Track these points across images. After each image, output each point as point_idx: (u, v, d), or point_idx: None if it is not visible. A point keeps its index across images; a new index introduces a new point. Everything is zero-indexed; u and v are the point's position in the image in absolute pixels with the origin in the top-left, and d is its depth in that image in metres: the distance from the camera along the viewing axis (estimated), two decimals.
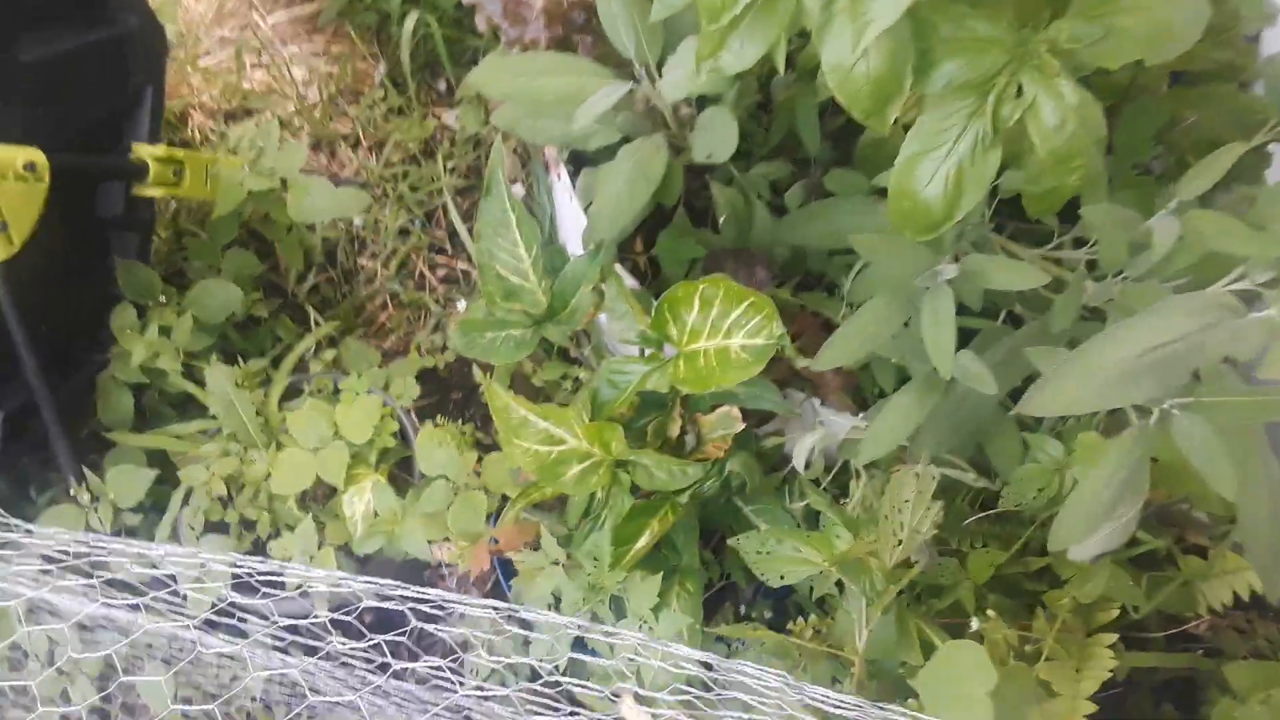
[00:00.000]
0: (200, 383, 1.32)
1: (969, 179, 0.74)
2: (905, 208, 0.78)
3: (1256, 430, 0.71)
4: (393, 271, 1.62)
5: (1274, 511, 0.72)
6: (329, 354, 1.38)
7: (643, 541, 0.97)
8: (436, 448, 1.13)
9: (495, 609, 0.86)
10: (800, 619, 0.95)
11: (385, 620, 1.47)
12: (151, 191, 1.35)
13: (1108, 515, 0.71)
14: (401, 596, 0.94)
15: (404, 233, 1.63)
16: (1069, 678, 0.87)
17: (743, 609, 1.14)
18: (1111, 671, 0.86)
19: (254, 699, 1.40)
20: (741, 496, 1.03)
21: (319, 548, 1.19)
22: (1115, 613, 0.89)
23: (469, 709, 1.11)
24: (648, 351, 0.99)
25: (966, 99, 0.72)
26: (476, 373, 1.44)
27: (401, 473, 1.28)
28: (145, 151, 1.32)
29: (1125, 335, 0.61)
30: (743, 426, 1.00)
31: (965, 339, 1.01)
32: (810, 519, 1.01)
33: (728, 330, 0.91)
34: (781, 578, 0.84)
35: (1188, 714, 0.98)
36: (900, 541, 0.80)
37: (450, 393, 1.51)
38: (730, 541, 0.92)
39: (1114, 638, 0.87)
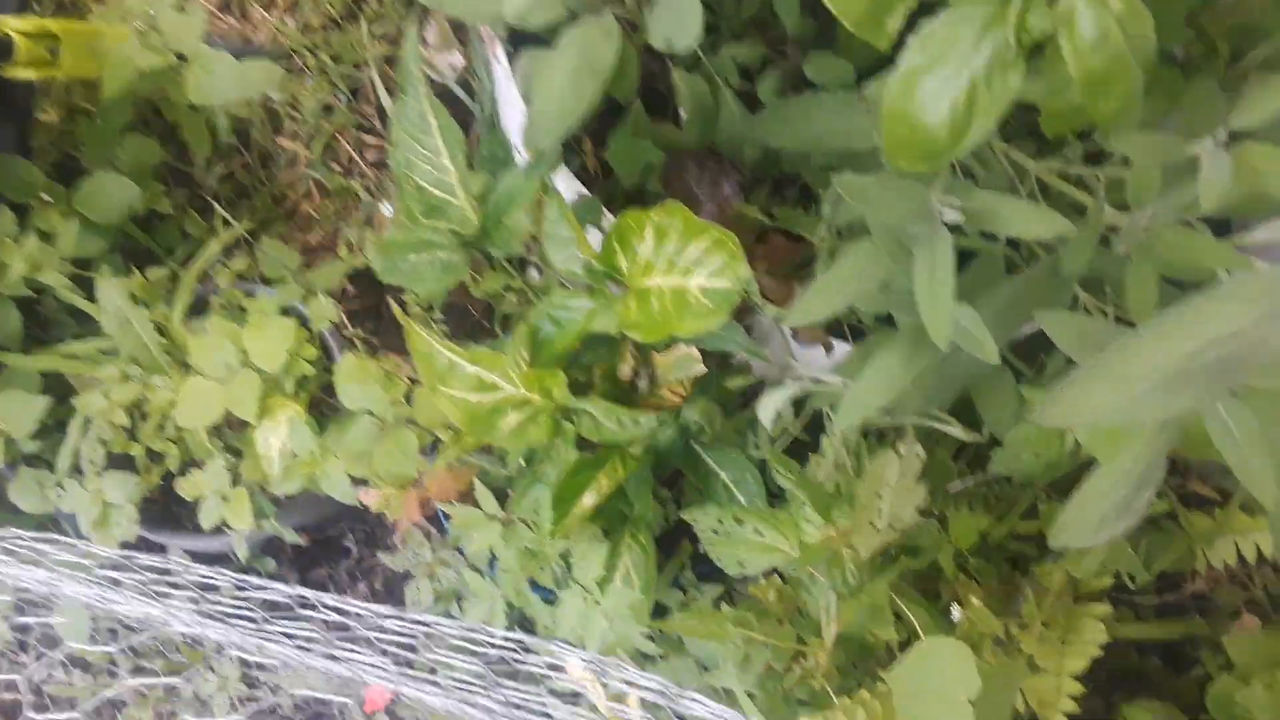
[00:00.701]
0: (94, 296, 1.16)
1: (982, 102, 0.60)
2: (902, 133, 0.63)
3: None
4: (316, 154, 1.43)
5: None
6: (240, 262, 1.22)
7: (588, 500, 0.86)
8: (358, 380, 1.00)
9: (404, 619, 0.75)
10: (762, 578, 0.86)
11: (316, 552, 1.39)
12: (22, 73, 1.15)
13: (1124, 511, 0.61)
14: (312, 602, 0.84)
15: (328, 109, 1.44)
16: (1054, 651, 0.79)
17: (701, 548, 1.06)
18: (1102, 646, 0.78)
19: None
20: (702, 443, 0.92)
21: (233, 486, 1.08)
22: (1109, 580, 0.81)
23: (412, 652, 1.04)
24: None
25: (986, 3, 0.57)
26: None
27: (329, 399, 1.15)
28: (9, 25, 1.12)
29: (1172, 330, 0.49)
30: (704, 370, 0.88)
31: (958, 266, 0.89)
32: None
33: (685, 268, 0.78)
34: (740, 564, 0.74)
35: (1174, 667, 0.92)
36: (879, 531, 0.70)
37: (386, 293, 1.36)
38: (684, 514, 0.81)
39: (1105, 610, 0.79)
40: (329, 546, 1.35)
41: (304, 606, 1.00)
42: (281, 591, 0.98)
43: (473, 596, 0.90)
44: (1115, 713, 0.87)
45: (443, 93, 1.42)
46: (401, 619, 0.92)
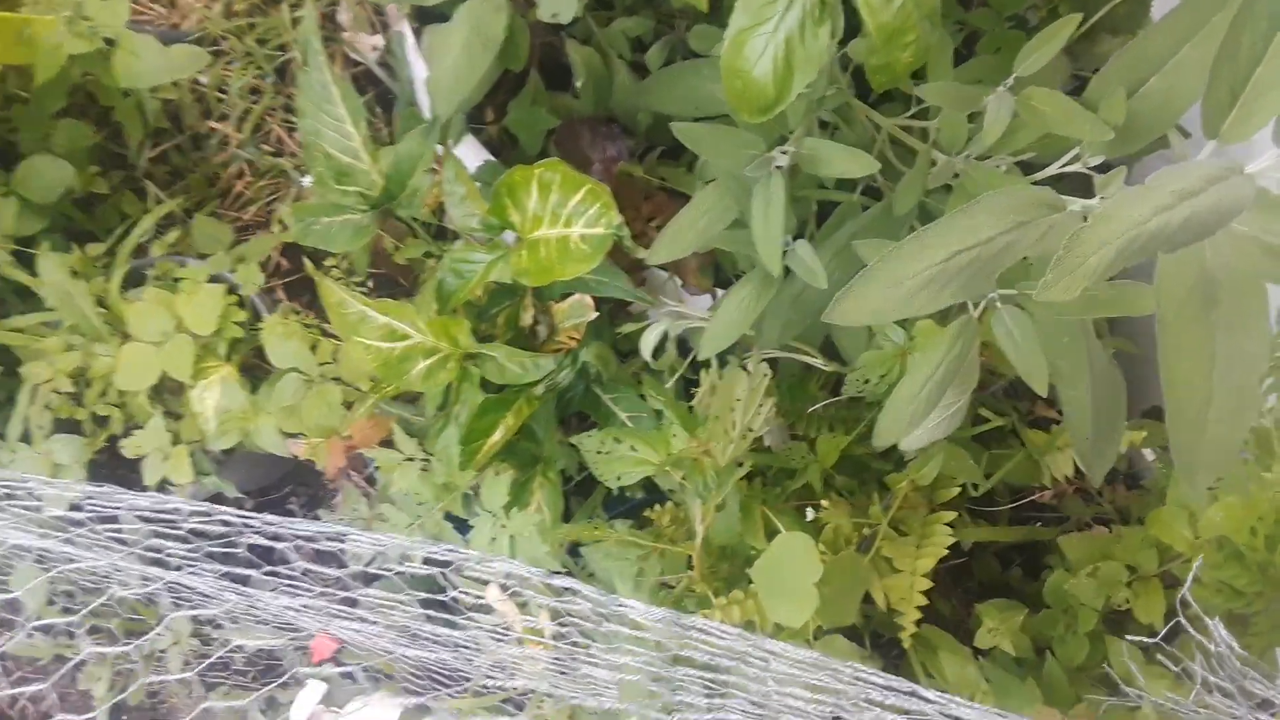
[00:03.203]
0: (36, 272, 1.23)
1: (799, 57, 0.68)
2: (738, 87, 0.72)
3: (1085, 325, 0.70)
4: (246, 136, 1.50)
5: (1096, 404, 0.72)
6: (173, 235, 1.28)
7: (496, 436, 0.95)
8: (284, 339, 1.07)
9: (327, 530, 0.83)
10: (658, 505, 0.95)
11: (260, 512, 1.46)
12: None
13: (930, 409, 0.70)
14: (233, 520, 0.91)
15: (255, 92, 1.51)
16: (909, 554, 0.88)
17: (615, 491, 1.14)
18: (949, 550, 0.88)
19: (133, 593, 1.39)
20: (601, 385, 1.01)
21: (173, 445, 1.15)
22: (955, 491, 0.90)
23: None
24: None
25: None
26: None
27: (263, 362, 1.22)
28: None
29: (932, 238, 0.58)
30: (596, 315, 0.96)
31: (824, 215, 0.98)
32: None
33: (567, 219, 0.86)
34: (619, 478, 0.83)
35: (1034, 576, 1.02)
36: (732, 441, 0.78)
37: (316, 262, 1.43)
38: (573, 439, 0.90)
39: (951, 515, 0.88)
40: (273, 508, 1.42)
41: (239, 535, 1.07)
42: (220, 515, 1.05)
43: (391, 527, 0.98)
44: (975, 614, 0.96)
45: (365, 73, 1.50)
46: (324, 530, 0.99)
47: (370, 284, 1.40)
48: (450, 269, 0.93)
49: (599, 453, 0.84)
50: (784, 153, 0.74)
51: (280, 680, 1.40)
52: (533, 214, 0.88)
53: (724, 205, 0.76)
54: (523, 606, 0.95)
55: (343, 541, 0.91)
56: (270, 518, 0.91)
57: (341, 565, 1.02)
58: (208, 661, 1.39)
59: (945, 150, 0.80)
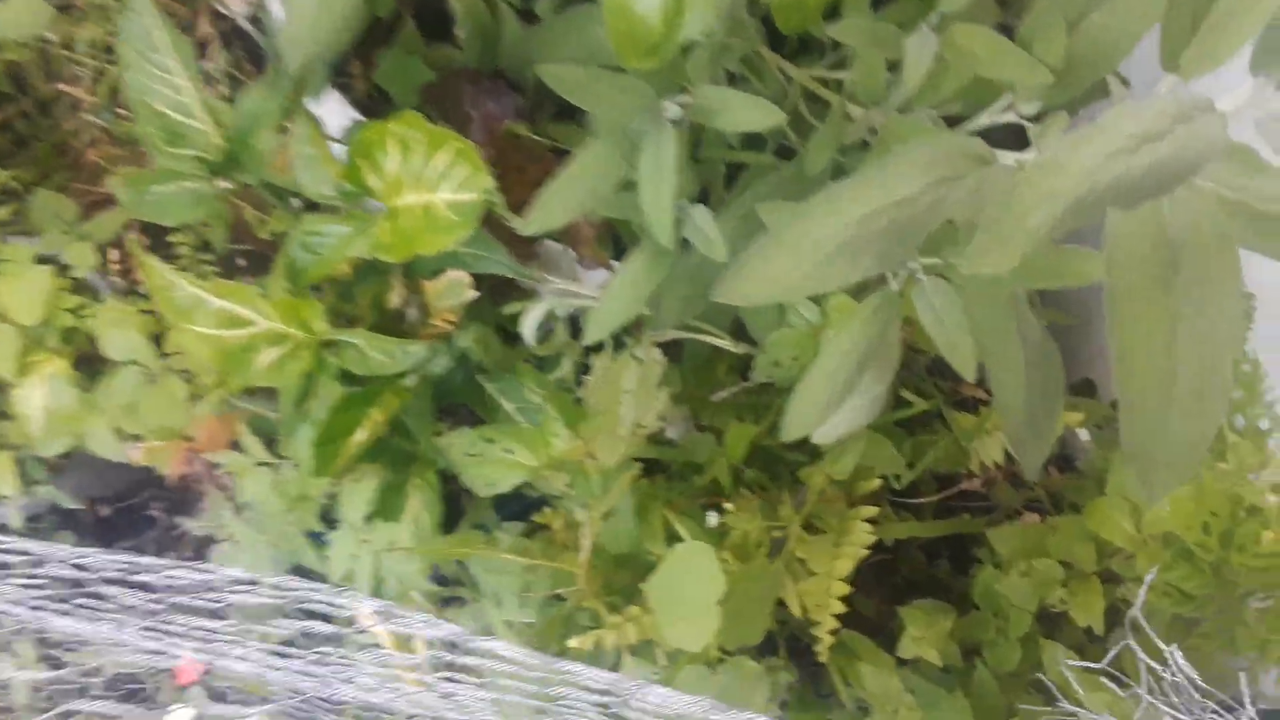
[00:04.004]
0: None
1: None
2: (622, 27, 0.61)
3: (1016, 296, 0.61)
4: (101, 99, 1.33)
5: (1029, 384, 0.63)
6: (4, 211, 1.12)
7: (360, 436, 0.83)
8: (120, 327, 0.93)
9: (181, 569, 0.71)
10: (547, 507, 0.84)
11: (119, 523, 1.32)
12: None
13: (845, 396, 0.61)
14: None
15: (108, 50, 1.34)
16: (826, 555, 0.80)
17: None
18: (869, 548, 0.79)
19: None
20: (485, 373, 0.89)
21: None
22: (876, 483, 0.81)
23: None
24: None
25: None
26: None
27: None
28: None
29: (844, 199, 0.48)
30: (475, 295, 0.84)
31: (733, 176, 0.88)
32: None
33: (432, 183, 0.74)
34: (489, 484, 0.72)
35: (964, 570, 0.94)
36: (621, 439, 0.68)
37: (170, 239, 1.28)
38: (440, 440, 0.78)
39: (872, 511, 0.80)
40: (132, 516, 1.28)
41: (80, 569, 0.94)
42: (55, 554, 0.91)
43: (239, 546, 0.86)
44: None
45: (234, 29, 1.34)
46: (179, 569, 0.87)
47: (242, 263, 1.26)
48: (301, 243, 0.81)
49: (468, 454, 0.73)
50: (677, 103, 0.63)
51: (145, 705, 1.27)
52: (394, 178, 0.76)
53: (610, 164, 0.65)
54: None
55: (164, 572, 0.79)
56: (62, 550, 0.78)
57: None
58: (61, 688, 1.26)
59: (862, 102, 0.70)
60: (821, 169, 0.72)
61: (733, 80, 0.82)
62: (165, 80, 0.82)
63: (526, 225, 0.67)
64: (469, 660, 0.75)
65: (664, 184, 0.62)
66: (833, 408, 0.60)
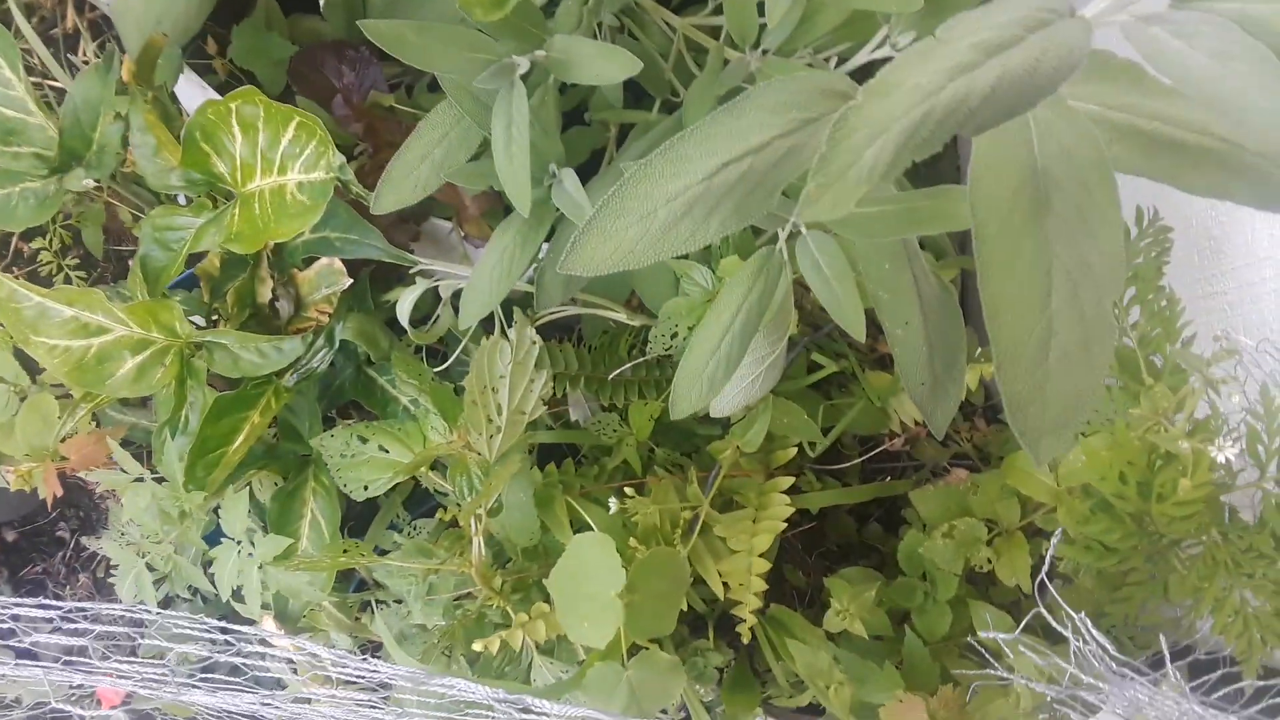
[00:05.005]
0: None
1: None
2: None
3: (908, 245, 0.56)
4: None
5: (929, 339, 0.59)
6: None
7: (238, 442, 0.77)
8: None
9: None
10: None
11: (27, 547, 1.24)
12: None
13: (733, 366, 0.56)
14: None
15: None
16: (745, 531, 0.75)
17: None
18: (795, 518, 0.75)
19: None
20: (374, 366, 0.84)
21: None
22: (792, 452, 0.77)
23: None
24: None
25: None
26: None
27: None
28: None
29: (690, 149, 0.43)
30: (350, 283, 0.78)
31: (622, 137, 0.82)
32: None
33: (281, 164, 0.68)
34: (365, 488, 0.66)
35: (894, 532, 0.91)
36: (499, 428, 0.63)
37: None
38: (313, 442, 0.73)
39: (789, 481, 0.75)
40: (41, 539, 1.21)
41: None
42: None
43: (118, 569, 0.80)
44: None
45: (103, 18, 1.26)
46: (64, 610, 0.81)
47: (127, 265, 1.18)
48: (154, 239, 0.74)
49: (342, 456, 0.67)
50: (529, 59, 0.58)
51: None
52: (241, 161, 0.70)
53: (461, 130, 0.60)
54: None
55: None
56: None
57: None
58: None
59: (739, 46, 0.65)
60: (696, 119, 0.67)
61: (613, 34, 0.77)
62: None
63: (376, 204, 0.61)
64: (371, 675, 0.70)
65: (517, 147, 0.56)
66: (721, 379, 0.55)
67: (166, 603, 0.86)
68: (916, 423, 0.82)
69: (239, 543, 0.77)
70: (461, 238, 0.88)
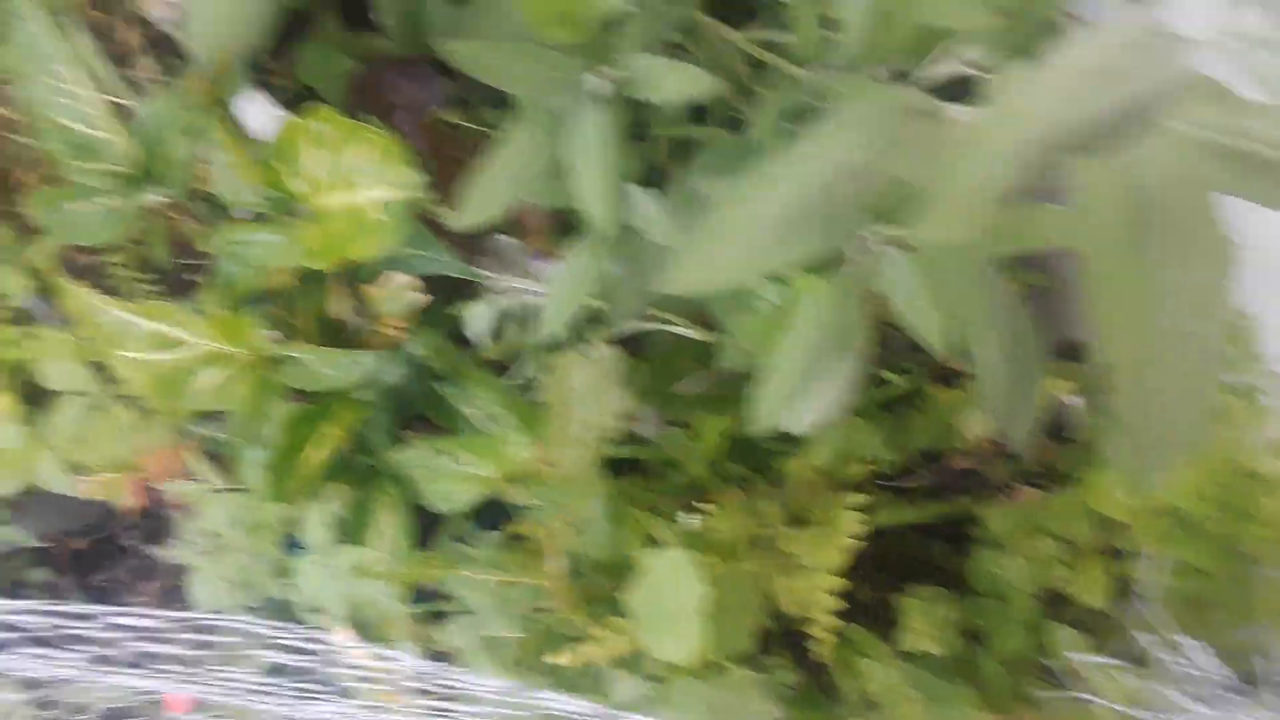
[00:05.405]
0: None
1: None
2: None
3: (990, 262, 0.56)
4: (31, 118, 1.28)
5: (1009, 355, 0.58)
6: None
7: (316, 454, 0.78)
8: (56, 357, 0.89)
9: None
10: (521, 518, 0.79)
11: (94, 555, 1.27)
12: None
13: (812, 382, 0.56)
14: None
15: None
16: (816, 547, 0.75)
17: None
18: (859, 537, 0.74)
19: None
20: (441, 381, 0.85)
21: None
22: (862, 468, 0.77)
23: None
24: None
25: None
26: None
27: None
28: None
29: (780, 170, 0.43)
30: (424, 299, 0.80)
31: (686, 154, 0.83)
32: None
33: (353, 181, 0.69)
34: (447, 499, 0.67)
35: (959, 549, 0.90)
36: (583, 444, 0.64)
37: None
38: (390, 456, 0.74)
39: (859, 499, 0.75)
40: (107, 548, 1.24)
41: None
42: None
43: (203, 579, 0.82)
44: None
45: (160, 36, 1.29)
46: (154, 618, 0.83)
47: (193, 278, 1.21)
48: (230, 255, 0.76)
49: (421, 469, 0.68)
50: (602, 76, 0.58)
51: None
52: (315, 178, 0.71)
53: (535, 148, 0.60)
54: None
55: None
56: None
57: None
58: None
59: (803, 61, 0.65)
60: (767, 138, 0.67)
61: (672, 50, 0.77)
62: (65, 91, 0.76)
63: (458, 220, 0.62)
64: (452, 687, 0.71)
65: (594, 165, 0.56)
66: (799, 395, 0.55)
67: (240, 612, 0.88)
68: (986, 440, 0.81)
69: (317, 554, 0.78)
70: (524, 252, 0.89)
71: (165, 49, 1.27)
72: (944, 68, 0.61)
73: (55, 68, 0.74)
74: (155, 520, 1.25)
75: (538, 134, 0.61)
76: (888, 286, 0.53)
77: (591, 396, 0.65)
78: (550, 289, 0.66)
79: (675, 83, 0.57)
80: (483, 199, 0.62)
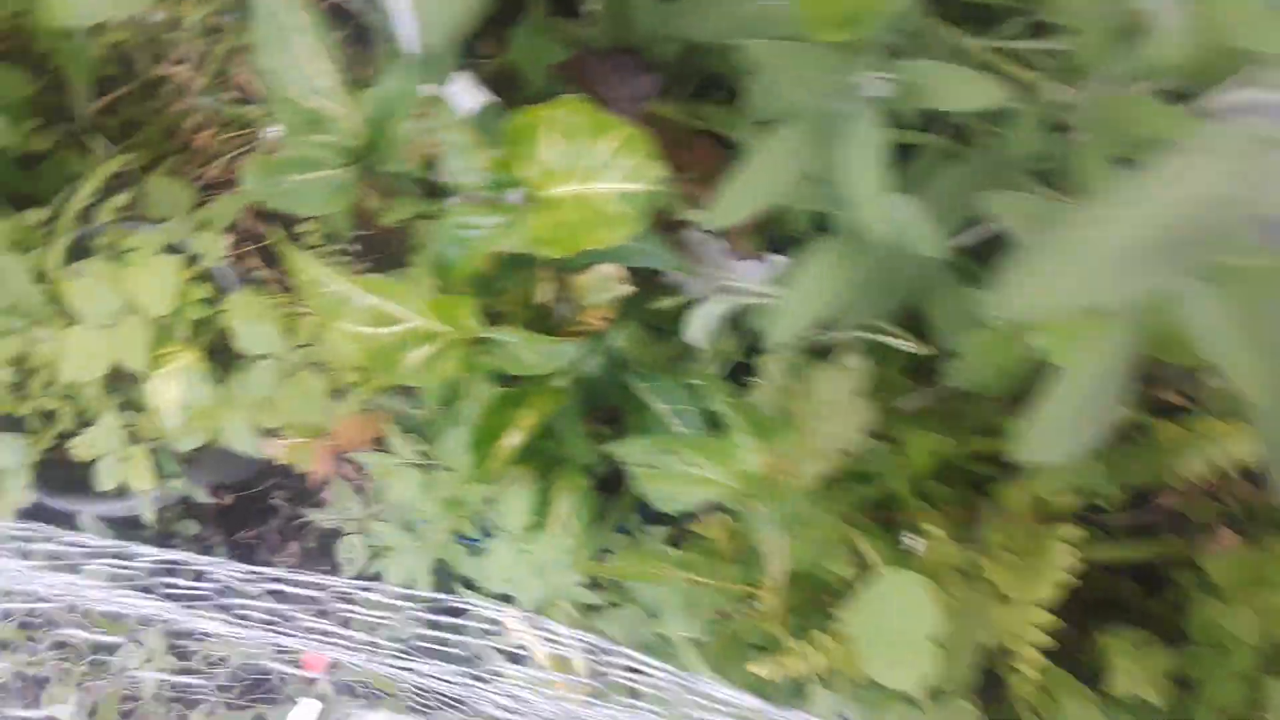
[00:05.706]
0: None
1: None
2: None
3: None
4: (207, 81, 1.30)
5: None
6: (123, 197, 1.10)
7: (512, 439, 0.78)
8: (253, 319, 0.90)
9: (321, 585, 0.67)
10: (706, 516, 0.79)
11: (242, 511, 1.30)
12: None
13: (1087, 421, 0.54)
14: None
15: (214, 31, 1.31)
16: (1022, 580, 0.73)
17: None
18: (1072, 572, 0.72)
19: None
20: (633, 374, 0.84)
21: (131, 444, 0.98)
22: (1074, 500, 0.74)
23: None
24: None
25: None
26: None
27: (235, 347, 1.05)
28: None
29: (1133, 201, 0.41)
30: (629, 290, 0.79)
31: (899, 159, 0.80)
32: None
33: (593, 172, 0.68)
34: (674, 500, 0.66)
35: (1150, 589, 0.86)
36: (824, 456, 0.62)
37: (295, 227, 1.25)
38: (611, 448, 0.73)
39: (1076, 532, 0.72)
40: (255, 505, 1.27)
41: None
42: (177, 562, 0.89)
43: (392, 554, 0.82)
44: (1088, 641, 0.81)
45: (336, 7, 1.30)
46: (320, 585, 0.84)
47: (358, 248, 1.22)
48: (451, 237, 0.76)
49: (646, 466, 0.67)
50: (881, 78, 0.56)
51: (269, 697, 1.26)
52: (547, 167, 0.70)
53: (798, 149, 0.59)
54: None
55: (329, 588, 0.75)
56: (235, 566, 0.75)
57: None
58: (188, 679, 1.25)
59: (1075, 77, 0.62)
60: (1025, 154, 0.65)
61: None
62: (302, 65, 0.77)
63: (712, 218, 0.60)
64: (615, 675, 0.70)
65: (869, 172, 0.55)
66: (1074, 434, 0.53)
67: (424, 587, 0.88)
68: (1201, 479, 0.78)
69: (508, 535, 0.78)
70: (722, 250, 0.88)
71: (344, 21, 1.28)
72: (1240, 93, 0.58)
73: (293, 40, 0.75)
74: (303, 483, 1.27)
75: (801, 136, 0.59)
76: (1200, 325, 0.50)
77: (840, 408, 0.63)
78: (791, 291, 0.64)
79: (963, 92, 0.55)
80: (734, 200, 0.60)
